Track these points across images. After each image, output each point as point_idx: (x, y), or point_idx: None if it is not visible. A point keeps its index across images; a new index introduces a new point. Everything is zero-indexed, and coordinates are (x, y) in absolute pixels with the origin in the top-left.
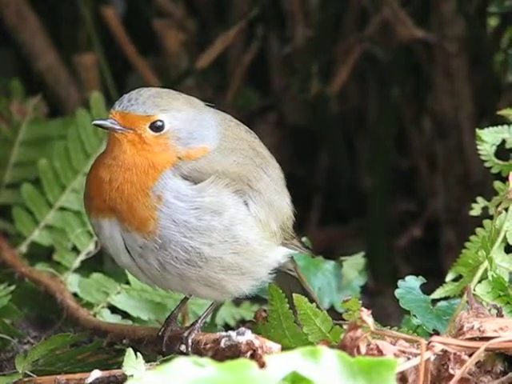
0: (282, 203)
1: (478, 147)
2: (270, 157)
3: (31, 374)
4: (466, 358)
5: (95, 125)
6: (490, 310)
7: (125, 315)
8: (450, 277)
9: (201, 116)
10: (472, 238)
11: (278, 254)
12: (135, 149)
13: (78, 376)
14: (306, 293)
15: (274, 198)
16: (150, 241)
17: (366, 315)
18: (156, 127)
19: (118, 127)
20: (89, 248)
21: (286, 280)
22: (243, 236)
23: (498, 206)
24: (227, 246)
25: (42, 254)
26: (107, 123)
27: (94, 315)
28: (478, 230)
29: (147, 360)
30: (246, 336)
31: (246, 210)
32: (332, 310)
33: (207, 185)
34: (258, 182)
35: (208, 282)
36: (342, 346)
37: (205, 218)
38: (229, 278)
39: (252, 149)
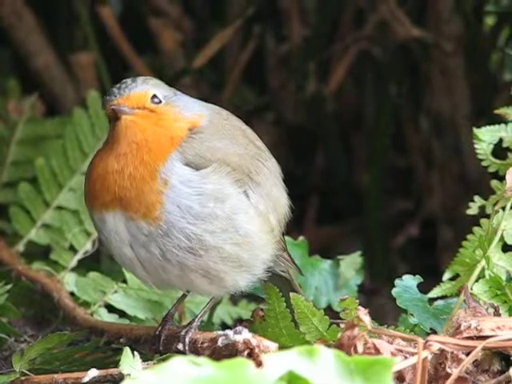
0: (280, 196)
1: (475, 146)
2: (266, 149)
3: (28, 373)
4: (463, 356)
5: (113, 109)
6: (487, 309)
7: (122, 314)
8: (447, 276)
9: (187, 96)
10: (469, 236)
11: (274, 251)
12: (153, 123)
13: (75, 375)
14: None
15: (273, 190)
16: (155, 227)
17: (363, 314)
18: (155, 102)
19: (129, 109)
20: (86, 247)
21: (277, 281)
22: (244, 227)
23: (495, 205)
24: (228, 236)
25: (38, 252)
26: (125, 108)
27: (91, 314)
28: (475, 228)
29: (144, 359)
30: (243, 335)
31: (247, 201)
32: (329, 309)
33: (209, 172)
34: (258, 173)
35: (207, 273)
36: (339, 345)
37: (208, 205)
38: (227, 269)
39: (248, 138)
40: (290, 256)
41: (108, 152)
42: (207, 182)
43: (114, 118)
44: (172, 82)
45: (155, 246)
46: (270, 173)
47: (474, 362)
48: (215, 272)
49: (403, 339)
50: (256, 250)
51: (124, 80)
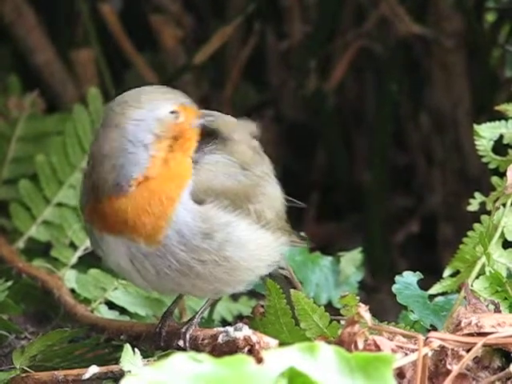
0: (276, 192)
1: (476, 142)
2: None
3: (29, 370)
4: (463, 353)
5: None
6: (487, 306)
7: (122, 311)
8: (447, 272)
9: None
10: (470, 233)
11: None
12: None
13: (75, 372)
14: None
15: (268, 187)
16: (153, 249)
17: (364, 311)
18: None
19: None
20: (86, 244)
21: (276, 279)
22: (235, 257)
23: (495, 202)
24: (219, 266)
25: (39, 249)
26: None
27: (92, 311)
28: (476, 225)
29: (145, 356)
30: (244, 331)
31: (243, 231)
32: (329, 306)
33: (206, 209)
34: (258, 195)
35: (201, 289)
36: (340, 342)
37: (197, 238)
38: (222, 286)
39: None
40: (298, 235)
41: None
42: (203, 215)
43: None
44: (172, 78)
45: (149, 264)
46: (266, 175)
47: (474, 359)
48: (209, 289)
49: (403, 336)
50: (248, 272)
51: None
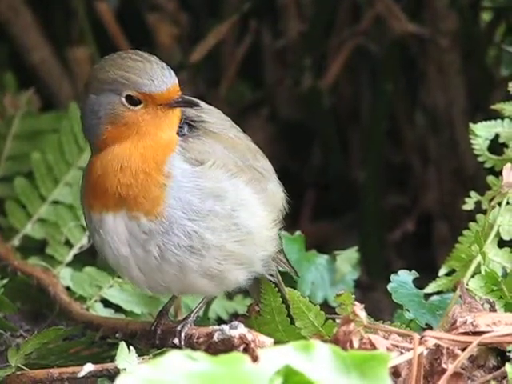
0: (278, 190)
1: (472, 141)
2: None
3: (24, 368)
4: (458, 352)
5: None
6: (482, 305)
7: (118, 309)
8: (442, 271)
9: None
10: (465, 232)
11: (273, 248)
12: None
13: (70, 369)
14: (283, 298)
15: (269, 184)
16: (156, 224)
17: (359, 309)
18: None
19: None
20: (82, 242)
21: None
22: (245, 223)
23: (491, 201)
24: (230, 234)
25: (34, 247)
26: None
27: (87, 309)
28: (471, 224)
29: (140, 354)
30: (239, 330)
31: (247, 195)
32: (325, 305)
33: (208, 168)
34: (257, 166)
35: (207, 274)
36: (335, 340)
37: (207, 202)
38: (230, 267)
39: (241, 139)
40: (286, 258)
41: (114, 151)
42: (206, 178)
43: (157, 103)
44: None
45: (154, 244)
46: (262, 167)
47: (469, 358)
48: (216, 271)
49: (399, 334)
50: (256, 247)
51: (151, 60)
